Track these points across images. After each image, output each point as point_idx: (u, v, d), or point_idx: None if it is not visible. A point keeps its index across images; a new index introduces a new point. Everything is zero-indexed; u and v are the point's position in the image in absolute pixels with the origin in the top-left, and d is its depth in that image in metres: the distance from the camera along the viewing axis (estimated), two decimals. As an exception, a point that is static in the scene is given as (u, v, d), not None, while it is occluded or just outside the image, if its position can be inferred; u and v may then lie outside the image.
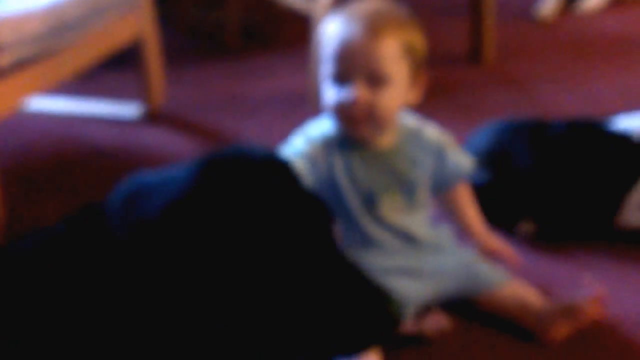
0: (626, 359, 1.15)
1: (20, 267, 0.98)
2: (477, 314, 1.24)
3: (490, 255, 1.28)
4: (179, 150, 1.89)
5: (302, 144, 1.20)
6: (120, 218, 0.94)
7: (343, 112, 1.17)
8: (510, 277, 1.26)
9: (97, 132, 1.98)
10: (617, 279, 1.33)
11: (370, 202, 1.21)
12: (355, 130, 1.19)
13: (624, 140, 1.44)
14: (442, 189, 1.29)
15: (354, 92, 1.15)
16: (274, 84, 2.27)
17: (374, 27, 1.14)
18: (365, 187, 1.21)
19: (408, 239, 1.24)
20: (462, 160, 1.29)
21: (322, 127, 1.23)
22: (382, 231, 1.22)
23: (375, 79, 1.14)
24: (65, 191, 1.70)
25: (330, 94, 1.17)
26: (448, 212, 1.35)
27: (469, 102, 2.12)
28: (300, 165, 1.16)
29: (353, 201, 1.20)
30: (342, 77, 1.16)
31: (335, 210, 1.14)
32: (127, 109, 2.07)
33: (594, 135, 1.49)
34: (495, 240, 1.29)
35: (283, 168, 0.97)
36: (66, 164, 1.84)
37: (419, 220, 1.26)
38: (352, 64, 1.14)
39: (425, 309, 1.20)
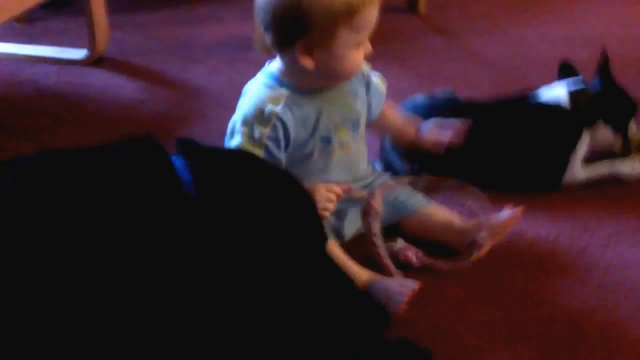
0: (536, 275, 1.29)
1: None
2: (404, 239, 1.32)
3: (437, 143, 1.36)
4: (123, 93, 1.92)
5: (259, 126, 1.21)
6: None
7: (356, 71, 1.23)
8: (430, 202, 1.36)
9: (42, 75, 1.98)
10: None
11: (327, 142, 1.27)
12: (343, 81, 1.25)
13: (557, 108, 1.53)
14: (373, 116, 1.36)
15: (368, 49, 1.21)
16: (219, 30, 2.30)
17: None
18: (323, 129, 1.25)
19: (354, 174, 1.33)
20: (379, 83, 1.36)
21: (258, 96, 1.24)
22: (334, 169, 1.28)
23: None
24: (14, 132, 1.71)
25: (356, 57, 1.20)
26: (382, 133, 1.45)
27: (405, 50, 2.21)
28: (272, 149, 1.21)
29: (314, 147, 1.26)
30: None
31: (297, 163, 1.24)
32: (71, 53, 2.07)
33: (529, 108, 1.55)
34: (432, 132, 1.37)
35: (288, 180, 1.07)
36: (11, 104, 1.85)
37: (362, 154, 1.35)
38: (371, 27, 1.19)
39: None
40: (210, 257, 0.94)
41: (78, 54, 2.06)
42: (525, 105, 1.57)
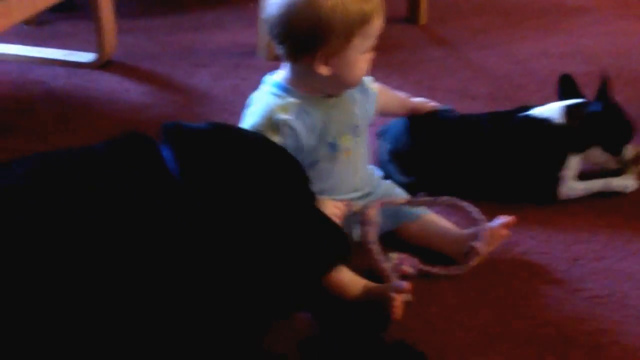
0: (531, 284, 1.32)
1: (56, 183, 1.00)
2: (399, 245, 1.36)
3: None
4: (130, 96, 1.95)
5: (270, 134, 1.25)
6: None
7: (363, 76, 1.31)
8: (427, 211, 1.39)
9: (50, 77, 2.01)
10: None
11: (333, 148, 1.31)
12: (351, 87, 1.32)
13: (546, 122, 1.53)
14: (369, 117, 1.41)
15: (372, 56, 1.28)
16: (224, 36, 2.34)
17: None
18: (329, 136, 1.30)
19: (357, 179, 1.36)
20: (372, 85, 1.39)
21: (266, 105, 1.28)
22: (339, 175, 1.33)
23: None
24: (21, 132, 1.75)
25: (364, 63, 1.27)
26: (384, 115, 1.53)
27: (405, 61, 2.24)
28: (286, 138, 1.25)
29: (320, 153, 1.30)
30: None
31: (305, 167, 1.26)
32: (80, 56, 2.11)
33: (521, 121, 1.56)
34: (425, 103, 1.56)
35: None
36: (19, 105, 1.88)
37: (364, 159, 1.39)
38: (377, 34, 1.27)
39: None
40: (195, 232, 0.98)
41: (86, 57, 2.10)
42: (516, 119, 1.59)
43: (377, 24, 1.25)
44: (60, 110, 1.87)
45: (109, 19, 2.06)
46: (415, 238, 1.38)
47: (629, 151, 1.61)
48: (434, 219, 1.40)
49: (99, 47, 2.07)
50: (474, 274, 1.32)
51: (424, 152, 1.54)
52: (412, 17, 2.53)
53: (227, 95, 1.98)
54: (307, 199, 1.14)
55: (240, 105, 1.98)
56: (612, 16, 2.61)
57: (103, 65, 2.09)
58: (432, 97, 1.91)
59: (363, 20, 1.23)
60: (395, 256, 1.30)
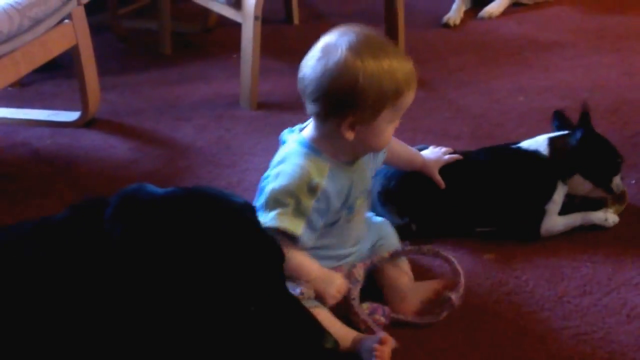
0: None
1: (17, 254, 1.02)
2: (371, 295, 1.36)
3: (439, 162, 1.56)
4: (116, 153, 1.97)
5: (305, 198, 1.25)
6: (114, 215, 1.01)
7: (386, 145, 1.34)
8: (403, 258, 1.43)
9: (36, 138, 2.03)
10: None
11: (350, 211, 1.34)
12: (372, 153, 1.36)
13: (533, 156, 1.58)
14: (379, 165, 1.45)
15: (397, 125, 1.30)
16: (207, 88, 2.37)
17: None
18: (350, 200, 1.33)
19: (361, 234, 1.41)
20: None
21: (301, 167, 1.27)
22: (349, 232, 1.37)
23: None
24: (6, 196, 1.76)
25: (390, 133, 1.29)
26: (391, 165, 1.54)
27: None
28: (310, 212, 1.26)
29: (341, 216, 1.33)
30: None
31: (327, 225, 1.31)
32: (64, 115, 2.13)
33: (508, 155, 1.61)
34: (437, 160, 1.57)
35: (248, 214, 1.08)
36: (5, 168, 1.89)
37: (366, 218, 1.43)
38: (407, 107, 1.29)
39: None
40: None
41: (71, 116, 2.12)
42: (504, 153, 1.62)
43: (409, 97, 1.27)
44: (46, 171, 1.88)
45: (92, 77, 2.09)
46: (389, 277, 1.39)
47: (620, 186, 1.62)
48: (399, 266, 1.41)
49: (83, 106, 2.09)
50: (461, 316, 1.33)
51: (414, 190, 1.56)
52: (390, 59, 2.57)
53: (212, 146, 1.99)
54: (245, 292, 1.02)
55: (224, 156, 1.98)
56: (586, 50, 2.66)
57: (87, 123, 2.11)
58: (413, 138, 1.95)
59: (396, 94, 1.24)
60: (366, 306, 1.32)
